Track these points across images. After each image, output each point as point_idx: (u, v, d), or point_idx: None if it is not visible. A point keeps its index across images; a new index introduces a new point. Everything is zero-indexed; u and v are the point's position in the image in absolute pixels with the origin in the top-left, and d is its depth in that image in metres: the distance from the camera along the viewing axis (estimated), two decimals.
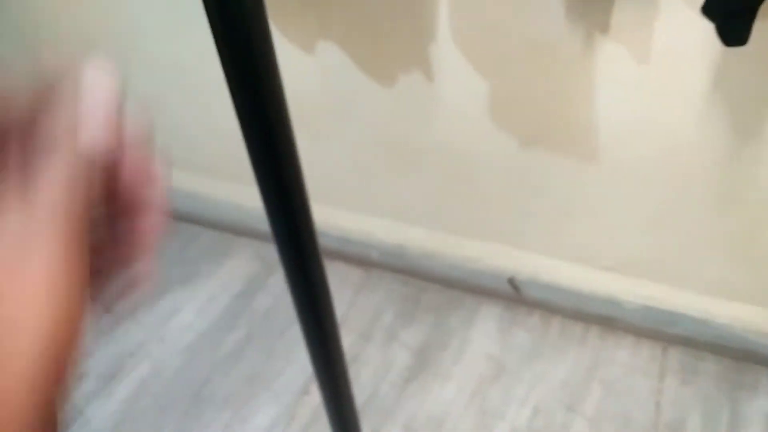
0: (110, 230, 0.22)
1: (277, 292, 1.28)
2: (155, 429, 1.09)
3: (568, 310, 1.15)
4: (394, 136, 1.07)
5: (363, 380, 1.12)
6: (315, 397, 1.09)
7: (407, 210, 1.18)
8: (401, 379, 1.12)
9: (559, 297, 1.14)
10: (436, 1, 0.87)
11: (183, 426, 1.09)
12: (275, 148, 0.39)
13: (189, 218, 1.40)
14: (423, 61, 0.94)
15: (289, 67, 1.01)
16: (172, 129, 1.25)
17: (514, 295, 1.18)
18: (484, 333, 1.18)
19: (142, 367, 1.18)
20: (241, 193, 1.29)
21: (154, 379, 1.16)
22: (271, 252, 1.32)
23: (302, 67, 1.03)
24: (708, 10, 0.66)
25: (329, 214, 1.25)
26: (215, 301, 1.27)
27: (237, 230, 1.37)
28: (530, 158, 0.99)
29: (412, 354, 1.16)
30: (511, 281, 1.16)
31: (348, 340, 1.19)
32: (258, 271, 1.32)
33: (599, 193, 0.99)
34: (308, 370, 1.12)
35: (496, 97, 0.94)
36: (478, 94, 0.94)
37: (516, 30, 0.86)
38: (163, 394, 1.14)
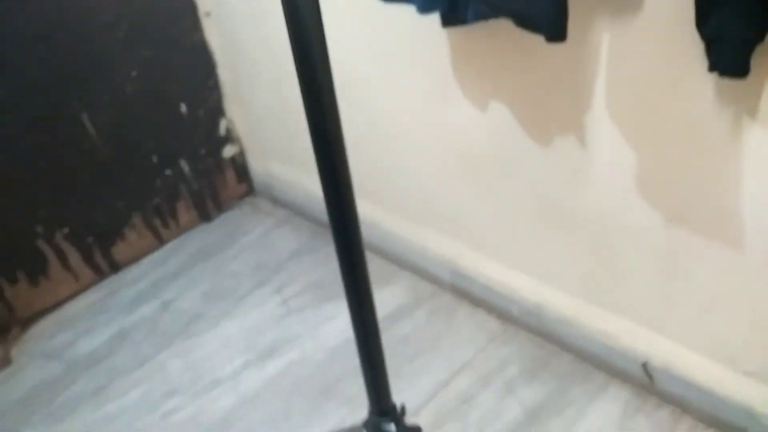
0: None
1: (417, 324, 1.39)
2: (288, 404, 1.26)
3: (700, 411, 1.07)
4: (548, 195, 1.14)
5: (469, 421, 1.17)
6: (421, 420, 1.17)
7: (551, 271, 1.22)
8: (506, 430, 1.14)
9: (692, 394, 1.07)
10: (595, 75, 0.95)
11: (310, 409, 1.24)
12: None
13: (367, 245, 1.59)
14: (579, 127, 1.02)
15: (464, 121, 1.17)
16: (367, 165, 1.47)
17: (646, 382, 1.14)
18: (606, 412, 1.14)
19: (293, 353, 1.37)
20: (408, 229, 1.45)
21: (298, 366, 1.34)
22: (424, 289, 1.44)
23: (475, 122, 1.17)
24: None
25: (480, 262, 1.34)
26: None
27: (402, 263, 1.52)
28: (676, 238, 0.98)
29: (525, 411, 1.17)
30: (645, 367, 1.12)
31: (466, 381, 1.24)
32: (408, 302, 1.45)
33: (744, 286, 0.94)
34: (420, 400, 1.21)
35: (644, 171, 0.97)
36: (627, 165, 0.98)
37: (668, 108, 0.90)
38: (303, 379, 1.31)
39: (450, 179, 1.30)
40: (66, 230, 1.55)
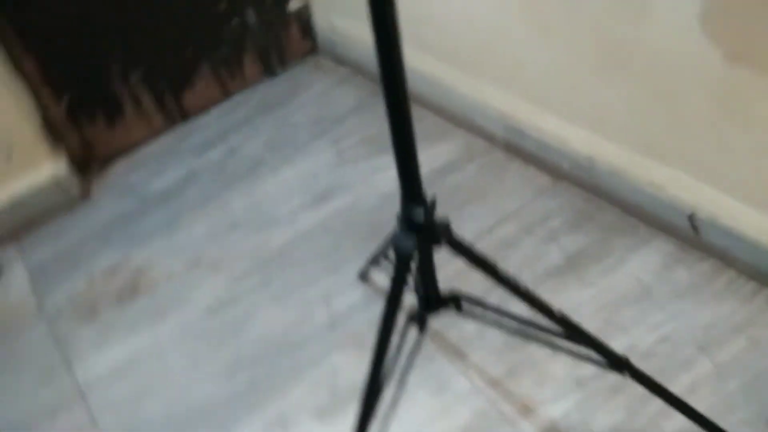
0: None
1: (468, 176, 1.41)
2: (338, 241, 1.34)
3: (743, 263, 1.07)
4: (608, 36, 1.09)
5: (510, 263, 1.21)
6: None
7: (606, 121, 1.20)
8: (544, 273, 1.18)
9: (737, 246, 1.06)
10: None
11: (358, 245, 1.31)
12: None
13: (420, 99, 1.59)
14: None
15: None
16: (427, 16, 1.44)
17: (691, 235, 1.13)
18: (646, 262, 1.16)
19: (345, 198, 1.44)
20: (464, 83, 1.44)
21: (350, 209, 1.41)
22: (478, 145, 1.45)
23: None
24: None
25: (534, 115, 1.32)
26: None
27: (457, 120, 1.53)
28: (736, 78, 0.94)
29: (565, 256, 1.20)
30: (691, 218, 1.11)
31: (510, 228, 1.28)
32: (461, 157, 1.46)
33: None
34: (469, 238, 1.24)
35: (709, 5, 0.91)
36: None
37: None
38: (353, 220, 1.38)
39: (508, 22, 1.26)
40: (140, 73, 1.63)
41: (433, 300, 0.90)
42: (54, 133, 1.54)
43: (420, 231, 0.71)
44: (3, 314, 1.39)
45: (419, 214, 0.68)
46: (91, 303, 1.36)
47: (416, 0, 1.40)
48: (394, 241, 0.71)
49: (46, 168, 1.53)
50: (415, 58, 1.52)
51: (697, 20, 0.94)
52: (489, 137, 1.47)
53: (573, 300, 1.12)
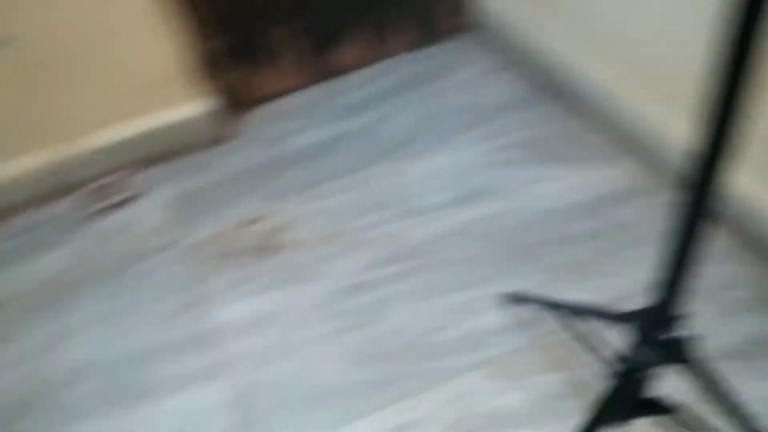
0: None
1: (632, 214, 1.32)
2: (481, 252, 1.29)
3: None
4: None
5: None
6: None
7: None
8: (721, 353, 1.11)
9: None
10: None
11: (502, 264, 1.26)
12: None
13: (590, 112, 1.49)
14: None
15: None
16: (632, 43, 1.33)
17: None
18: None
19: (496, 204, 1.38)
20: (655, 107, 1.33)
21: (500, 218, 1.35)
22: (649, 178, 1.35)
23: None
24: None
25: None
26: (579, 191, 1.37)
27: (630, 144, 1.43)
28: None
29: (745, 338, 1.12)
30: None
31: None
32: (628, 188, 1.37)
33: None
34: (627, 289, 1.17)
35: None
36: None
37: None
38: (502, 233, 1.32)
39: None
40: (298, 26, 1.58)
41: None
42: (210, 71, 1.52)
43: (660, 347, 0.64)
44: (139, 237, 1.41)
45: (668, 331, 0.61)
46: (227, 248, 1.37)
47: (611, 6, 1.29)
48: (629, 350, 0.65)
49: (194, 104, 1.52)
50: (591, 66, 1.42)
51: None
52: (665, 171, 1.36)
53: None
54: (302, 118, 1.62)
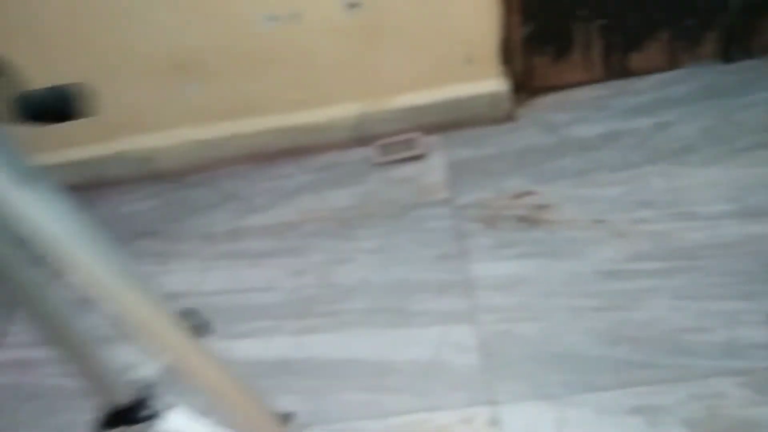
0: None
1: None
2: (755, 270, 1.24)
3: None
4: None
5: None
6: None
7: None
8: None
9: None
10: None
11: (765, 288, 1.20)
12: None
13: None
14: None
15: None
16: None
17: None
18: None
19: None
20: None
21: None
22: None
23: None
24: None
25: None
26: None
27: None
28: None
29: None
30: None
31: None
32: None
33: None
34: None
35: None
36: None
37: None
38: None
39: None
40: (601, 21, 1.64)
41: None
42: (508, 53, 1.65)
43: None
44: (419, 190, 1.60)
45: None
46: (494, 213, 1.49)
47: None
48: None
49: (490, 82, 1.66)
50: None
51: None
52: None
53: None
54: (586, 111, 1.68)
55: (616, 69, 1.73)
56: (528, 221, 1.46)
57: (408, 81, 1.65)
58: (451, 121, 1.71)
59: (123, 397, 0.51)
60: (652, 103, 1.66)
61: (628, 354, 1.17)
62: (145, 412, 0.52)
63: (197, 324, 0.51)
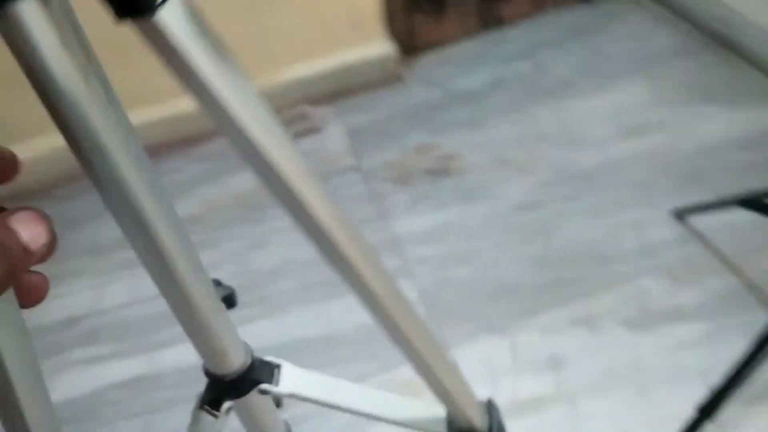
0: None
1: None
2: (652, 179, 1.36)
3: None
4: None
5: None
6: None
7: None
8: None
9: None
10: None
11: (673, 188, 1.33)
12: None
13: (749, 54, 1.53)
14: None
15: None
16: None
17: None
18: None
19: (661, 137, 1.44)
20: None
21: (666, 150, 1.42)
22: None
23: None
24: None
25: None
26: (743, 127, 1.42)
27: None
28: None
29: None
30: None
31: None
32: None
33: None
34: None
35: None
36: None
37: None
38: (669, 162, 1.39)
39: None
40: None
41: None
42: (390, 15, 1.67)
43: None
44: (323, 161, 1.58)
45: None
46: (404, 171, 1.51)
47: None
48: None
49: (376, 46, 1.67)
50: (759, 11, 1.46)
51: None
52: None
53: None
54: (466, 64, 1.75)
55: (490, 20, 1.81)
56: (436, 173, 1.49)
57: (296, 52, 1.62)
58: (342, 89, 1.70)
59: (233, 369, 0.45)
60: (528, 47, 1.76)
61: (558, 274, 1.24)
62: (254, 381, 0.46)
63: (225, 295, 0.46)
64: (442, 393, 0.49)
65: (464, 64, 1.75)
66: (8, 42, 0.25)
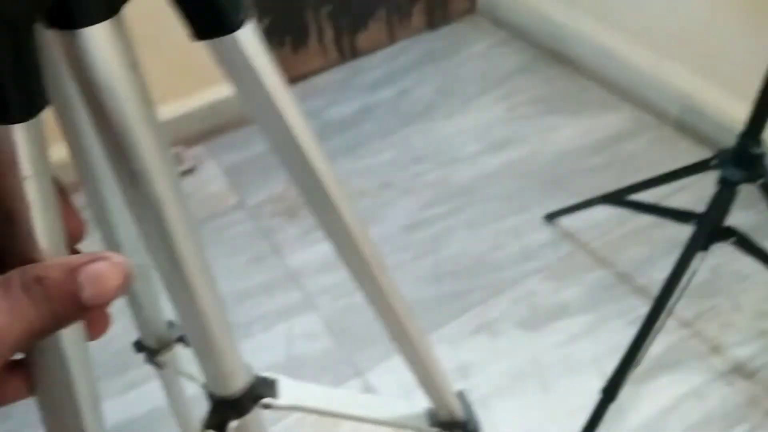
0: None
1: (638, 147, 1.56)
2: (521, 185, 1.49)
3: None
4: None
5: None
6: None
7: None
8: None
9: None
10: None
11: (541, 192, 1.47)
12: None
13: (588, 70, 1.73)
14: None
15: None
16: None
17: None
18: None
19: (523, 149, 1.59)
20: (643, 58, 1.58)
21: (530, 159, 1.56)
22: (645, 120, 1.58)
23: None
24: None
25: (715, 95, 1.47)
26: (590, 134, 1.60)
27: (625, 94, 1.67)
28: None
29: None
30: None
31: (684, 199, 1.43)
32: (629, 129, 1.61)
33: None
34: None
35: None
36: None
37: None
38: (534, 170, 1.53)
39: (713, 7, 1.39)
40: (329, 8, 1.76)
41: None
42: None
43: (748, 166, 0.85)
44: (205, 203, 1.54)
45: (756, 150, 0.83)
46: (290, 204, 1.51)
47: None
48: (723, 172, 0.86)
49: None
50: (588, 27, 1.66)
51: None
52: (659, 113, 1.61)
53: None
54: (332, 94, 1.79)
55: (348, 51, 1.88)
56: None
57: (163, 92, 1.56)
58: (212, 127, 1.67)
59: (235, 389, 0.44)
60: (387, 75, 1.85)
61: (453, 286, 1.32)
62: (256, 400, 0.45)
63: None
64: (430, 386, 0.54)
65: (331, 94, 1.80)
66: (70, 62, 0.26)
